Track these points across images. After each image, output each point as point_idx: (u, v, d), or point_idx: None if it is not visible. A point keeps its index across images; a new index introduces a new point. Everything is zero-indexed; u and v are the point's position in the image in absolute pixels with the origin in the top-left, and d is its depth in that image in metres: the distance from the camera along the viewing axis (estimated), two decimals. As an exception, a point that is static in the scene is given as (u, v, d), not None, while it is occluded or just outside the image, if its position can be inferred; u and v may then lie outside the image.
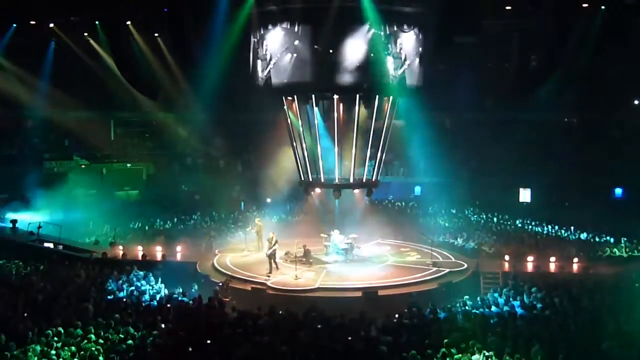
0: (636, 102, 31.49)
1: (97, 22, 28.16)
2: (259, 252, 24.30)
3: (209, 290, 18.75)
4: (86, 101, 30.13)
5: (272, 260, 21.55)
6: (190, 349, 11.93)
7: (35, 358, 11.05)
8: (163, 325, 13.87)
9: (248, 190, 34.56)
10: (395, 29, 21.17)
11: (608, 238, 25.60)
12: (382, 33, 20.86)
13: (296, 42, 21.08)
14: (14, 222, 26.16)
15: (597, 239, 25.85)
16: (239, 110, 31.65)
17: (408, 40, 21.60)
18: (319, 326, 13.36)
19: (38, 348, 11.46)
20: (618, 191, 31.35)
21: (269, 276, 20.82)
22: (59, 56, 30.04)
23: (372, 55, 20.82)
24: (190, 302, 17.13)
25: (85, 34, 29.33)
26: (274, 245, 21.73)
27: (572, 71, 27.49)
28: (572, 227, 27.51)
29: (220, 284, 19.65)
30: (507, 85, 29.04)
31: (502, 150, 33.70)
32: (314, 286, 20.01)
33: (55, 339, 12.18)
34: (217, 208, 32.81)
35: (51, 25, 28.60)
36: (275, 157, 29.44)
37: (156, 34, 30.14)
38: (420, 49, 22.03)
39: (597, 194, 30.68)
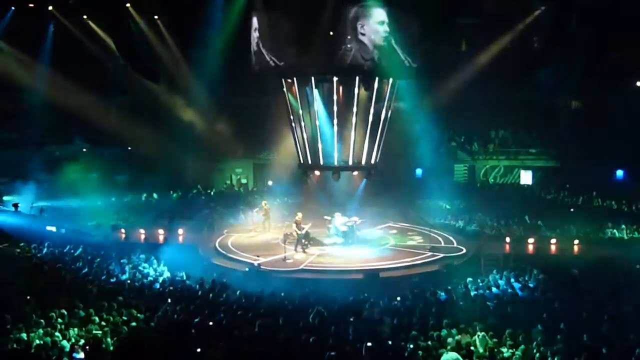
0: (639, 83, 31.31)
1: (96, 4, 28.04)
2: (266, 233, 24.75)
3: (210, 272, 18.86)
4: (86, 84, 30.00)
5: (302, 242, 21.89)
6: (192, 331, 12.00)
7: (40, 340, 11.13)
8: (165, 308, 13.94)
9: (250, 173, 34.76)
10: (396, 10, 21.04)
11: (609, 220, 25.63)
12: (382, 14, 20.74)
13: (296, 24, 20.98)
14: (16, 205, 26.22)
15: (598, 221, 25.86)
16: (240, 93, 31.56)
17: (408, 21, 21.48)
18: (320, 308, 13.43)
19: (41, 331, 11.54)
20: (620, 173, 31.30)
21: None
22: (59, 39, 29.88)
23: (372, 37, 20.72)
24: (193, 284, 17.22)
25: (85, 16, 29.15)
26: (303, 226, 22.06)
27: (575, 52, 27.38)
28: (572, 210, 27.55)
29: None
30: (509, 67, 28.85)
31: (503, 132, 33.79)
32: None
33: (60, 320, 12.26)
34: (219, 191, 32.98)
35: (50, 7, 28.42)
36: (277, 140, 29.47)
37: (155, 16, 29.95)
38: (421, 30, 21.91)
39: (599, 176, 30.65)
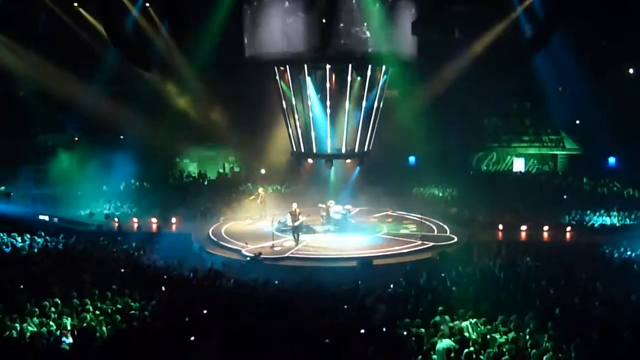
0: (631, 71, 31.38)
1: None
2: (262, 220, 24.84)
3: (205, 261, 18.89)
4: (78, 72, 29.81)
5: (297, 233, 21.77)
6: (186, 319, 12.02)
7: (34, 328, 11.13)
8: (160, 296, 13.95)
9: (243, 161, 34.76)
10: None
11: (601, 206, 25.77)
12: (376, 2, 20.64)
13: (288, 11, 20.84)
14: (8, 194, 26.15)
15: (590, 208, 25.99)
16: (233, 81, 31.46)
17: (401, 10, 21.40)
18: (314, 295, 13.49)
19: (36, 320, 11.54)
20: (612, 160, 31.47)
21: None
22: (50, 27, 29.60)
23: (365, 24, 20.62)
24: (187, 273, 17.24)
25: (75, 4, 28.89)
26: (298, 217, 21.94)
27: (567, 40, 27.38)
28: (564, 197, 27.69)
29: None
30: (502, 55, 28.83)
31: (496, 120, 33.82)
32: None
33: (53, 309, 12.25)
34: (212, 179, 32.96)
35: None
36: (270, 128, 29.45)
37: (147, 4, 29.69)
38: (414, 17, 21.84)
39: (591, 162, 30.82)
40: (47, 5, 28.65)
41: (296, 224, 21.76)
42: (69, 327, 11.34)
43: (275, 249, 20.86)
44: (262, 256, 19.68)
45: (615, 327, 11.31)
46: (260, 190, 26.46)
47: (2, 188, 26.91)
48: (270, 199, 26.68)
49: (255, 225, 24.79)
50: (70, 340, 10.78)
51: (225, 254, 20.71)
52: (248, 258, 19.70)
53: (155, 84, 31.25)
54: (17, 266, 16.30)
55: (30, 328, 11.19)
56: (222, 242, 22.05)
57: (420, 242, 21.70)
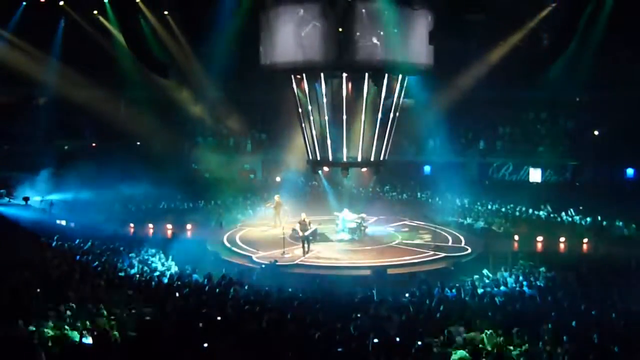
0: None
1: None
2: (277, 228, 24.82)
3: (219, 267, 18.94)
4: (97, 79, 30.10)
5: (307, 243, 21.74)
6: (200, 325, 12.04)
7: (50, 332, 11.20)
8: (174, 302, 13.99)
9: (258, 168, 34.87)
10: (406, 7, 20.91)
11: (619, 218, 25.50)
12: (392, 11, 20.60)
13: (305, 20, 20.86)
14: (26, 199, 26.38)
15: (607, 219, 25.72)
16: (249, 89, 31.62)
17: (418, 19, 21.37)
18: (328, 304, 13.45)
19: (52, 323, 11.62)
20: (630, 172, 31.14)
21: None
22: (70, 34, 29.94)
23: (381, 33, 20.60)
24: (201, 279, 17.28)
25: (95, 11, 29.20)
26: (309, 226, 21.92)
27: (585, 49, 27.21)
28: (581, 207, 27.41)
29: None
30: (519, 64, 28.71)
31: (512, 129, 33.60)
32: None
33: (68, 313, 12.33)
34: (227, 186, 33.01)
35: (61, 2, 28.48)
36: (285, 135, 29.52)
37: (165, 12, 29.96)
38: (431, 27, 21.79)
39: (608, 174, 30.52)
40: (66, 11, 29.02)
41: (306, 233, 21.75)
42: (85, 330, 11.42)
43: (286, 256, 20.89)
44: (277, 263, 19.71)
45: (633, 341, 11.17)
46: (276, 197, 26.52)
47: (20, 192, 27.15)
48: (285, 206, 26.68)
49: (270, 233, 24.83)
50: (90, 340, 10.86)
51: (240, 261, 20.79)
52: (263, 265, 19.71)
53: (172, 90, 31.46)
54: (34, 271, 16.41)
55: (46, 332, 11.26)
56: (236, 249, 22.13)
57: (432, 252, 21.64)
